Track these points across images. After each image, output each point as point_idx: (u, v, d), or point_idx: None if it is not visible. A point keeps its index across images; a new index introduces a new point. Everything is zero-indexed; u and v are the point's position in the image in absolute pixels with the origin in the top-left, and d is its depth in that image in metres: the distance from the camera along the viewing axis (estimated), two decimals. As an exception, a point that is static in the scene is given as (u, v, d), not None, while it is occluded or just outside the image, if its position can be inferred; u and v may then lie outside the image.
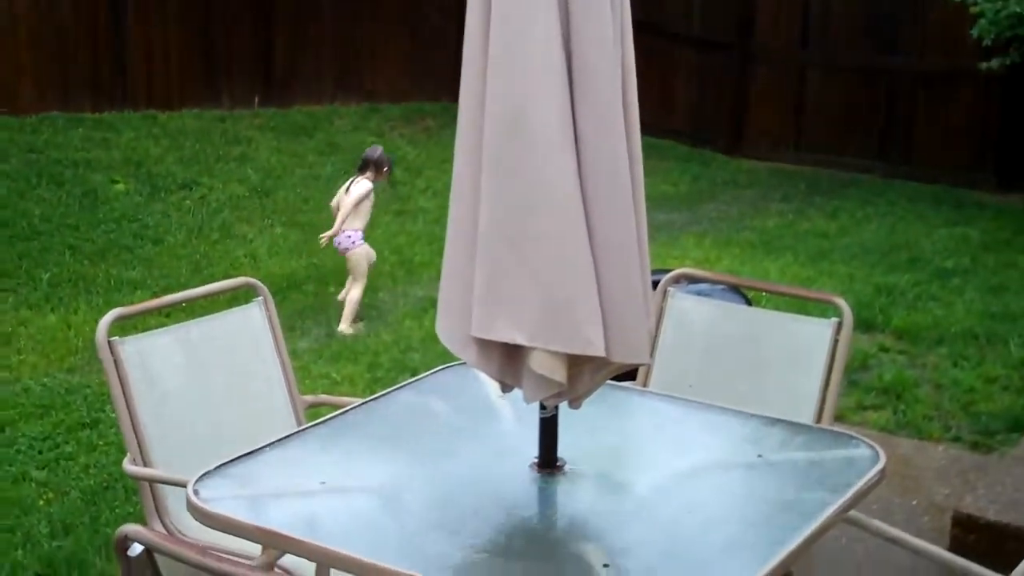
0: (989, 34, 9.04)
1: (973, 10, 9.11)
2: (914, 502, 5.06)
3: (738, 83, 11.82)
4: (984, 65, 9.25)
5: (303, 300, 7.83)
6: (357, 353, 6.83)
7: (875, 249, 8.84)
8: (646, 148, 11.04)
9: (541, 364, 2.82)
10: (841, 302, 3.78)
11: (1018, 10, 8.63)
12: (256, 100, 11.85)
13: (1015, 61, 9.18)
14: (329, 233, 7.48)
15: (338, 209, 7.52)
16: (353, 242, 7.43)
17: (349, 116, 12.07)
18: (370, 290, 7.94)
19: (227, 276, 6.84)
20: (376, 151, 7.70)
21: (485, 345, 2.90)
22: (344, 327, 7.33)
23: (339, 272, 8.20)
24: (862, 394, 6.18)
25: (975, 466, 5.37)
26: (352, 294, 7.44)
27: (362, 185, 7.47)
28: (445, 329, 3.00)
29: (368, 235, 7.66)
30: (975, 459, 5.49)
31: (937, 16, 10.60)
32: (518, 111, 2.80)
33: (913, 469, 5.38)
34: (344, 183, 7.68)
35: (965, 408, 6.04)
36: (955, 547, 4.58)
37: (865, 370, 6.52)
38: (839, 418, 5.89)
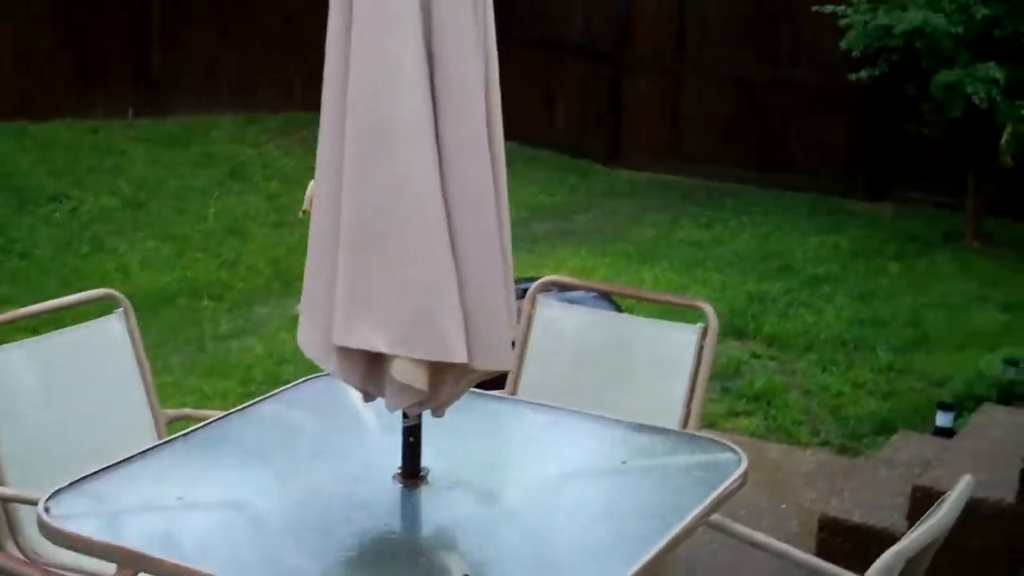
0: (858, 46, 9.21)
1: (842, 22, 9.28)
2: (783, 506, 5.12)
3: (616, 94, 11.90)
4: (854, 76, 9.43)
5: (176, 314, 7.69)
6: (230, 367, 6.74)
7: (749, 257, 8.96)
8: (527, 159, 11.12)
9: (403, 372, 2.80)
10: (706, 307, 3.81)
11: (885, 22, 8.81)
12: (130, 110, 11.65)
13: (884, 72, 9.36)
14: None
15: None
16: None
17: (227, 127, 11.91)
18: (245, 304, 7.85)
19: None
20: None
21: (347, 354, 2.87)
22: None
23: (213, 284, 8.10)
24: (734, 400, 6.25)
25: (842, 470, 5.46)
26: None
27: None
28: (306, 338, 2.97)
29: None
30: (842, 463, 5.58)
31: (810, 28, 10.78)
32: (380, 118, 2.78)
33: (782, 474, 5.45)
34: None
35: (833, 412, 6.14)
36: (822, 550, 4.64)
37: (737, 376, 6.59)
38: (711, 424, 5.96)
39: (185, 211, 9.64)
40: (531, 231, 9.80)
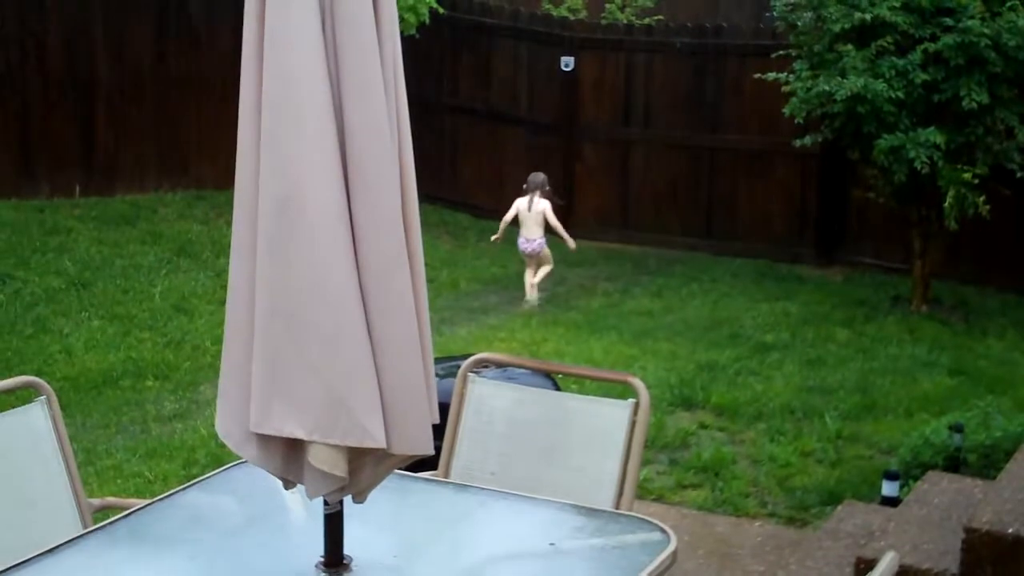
0: (800, 112, 9.28)
1: (785, 88, 9.37)
2: (730, 580, 5.07)
3: (565, 163, 11.94)
4: (798, 142, 9.50)
5: (120, 395, 7.59)
6: (173, 449, 6.63)
7: (698, 326, 8.96)
8: (478, 231, 11.04)
9: (321, 459, 2.76)
10: (637, 382, 3.77)
11: (827, 88, 8.89)
12: (77, 189, 11.57)
13: (827, 138, 9.44)
14: (497, 237, 10.01)
15: (514, 221, 9.80)
16: (542, 245, 9.76)
17: (174, 204, 11.85)
18: (190, 384, 7.75)
19: (40, 373, 6.60)
20: (540, 176, 9.91)
21: (266, 441, 2.83)
22: (532, 295, 9.73)
23: (158, 365, 8.00)
24: (681, 473, 6.19)
25: (789, 542, 5.41)
26: (543, 271, 9.87)
27: (544, 203, 9.70)
28: (224, 425, 2.93)
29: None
30: (790, 534, 5.54)
31: (753, 94, 10.89)
32: (291, 199, 2.75)
33: (730, 547, 5.40)
34: (523, 198, 9.78)
35: (781, 483, 6.10)
36: (767, 624, 4.60)
37: (685, 448, 6.55)
38: (659, 497, 5.92)
39: (131, 290, 9.55)
40: (483, 303, 9.78)
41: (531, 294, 9.77)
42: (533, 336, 8.67)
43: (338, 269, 2.73)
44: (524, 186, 9.85)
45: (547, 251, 9.87)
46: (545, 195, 9.75)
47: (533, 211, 9.68)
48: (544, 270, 9.92)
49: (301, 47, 2.69)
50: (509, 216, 9.83)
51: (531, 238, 9.70)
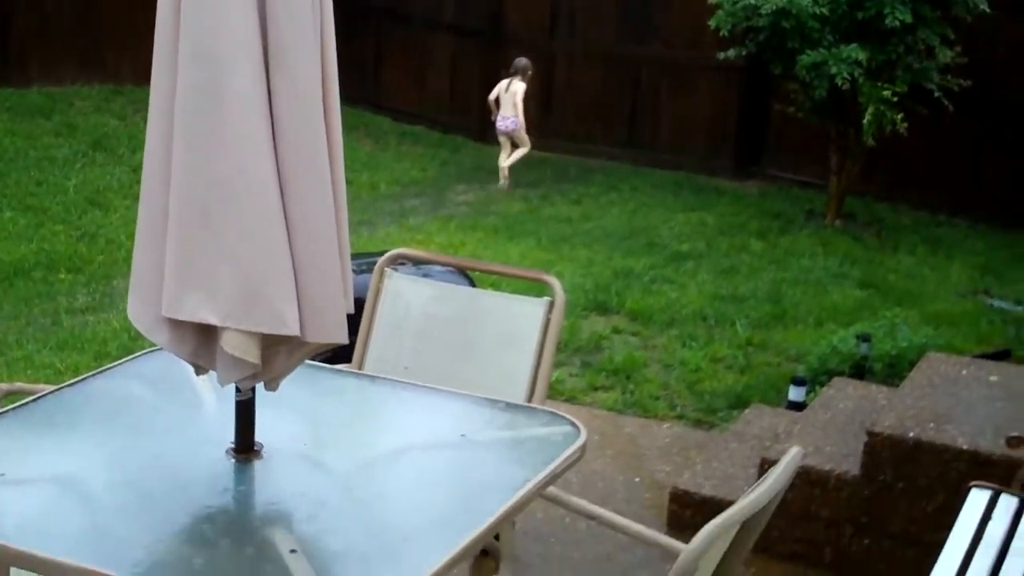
0: (726, 25, 9.28)
1: (712, 1, 9.37)
2: (637, 479, 5.16)
3: (488, 70, 11.87)
4: (722, 55, 9.51)
5: (31, 287, 7.50)
6: (84, 341, 6.58)
7: (616, 234, 9.01)
8: (399, 134, 11.02)
9: (234, 345, 2.75)
10: (553, 281, 3.80)
11: (753, 2, 8.90)
12: (-10, 79, 11.33)
13: (751, 52, 9.47)
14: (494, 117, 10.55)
15: (495, 101, 10.51)
16: (515, 124, 10.42)
17: (91, 98, 11.64)
18: (103, 277, 7.68)
19: (-51, 262, 6.52)
20: (523, 60, 10.54)
21: (177, 326, 2.81)
22: (504, 178, 10.43)
23: (71, 257, 7.91)
24: (594, 375, 6.27)
25: (696, 443, 5.52)
26: (518, 153, 10.53)
27: (519, 85, 10.40)
28: (136, 310, 2.90)
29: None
30: (697, 436, 5.64)
31: (681, 6, 10.88)
32: (211, 86, 2.71)
33: (638, 447, 5.49)
34: (504, 80, 10.55)
35: (691, 387, 6.20)
36: (672, 522, 4.71)
37: (598, 351, 6.62)
38: (570, 398, 6.00)
39: (44, 183, 9.39)
40: (402, 206, 9.76)
41: (503, 177, 10.46)
42: (451, 239, 8.68)
43: (256, 157, 2.71)
44: (511, 68, 10.61)
45: (522, 132, 10.53)
46: (525, 79, 10.47)
47: (509, 91, 10.43)
48: (519, 152, 10.58)
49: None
50: (492, 96, 10.57)
51: (506, 115, 10.44)
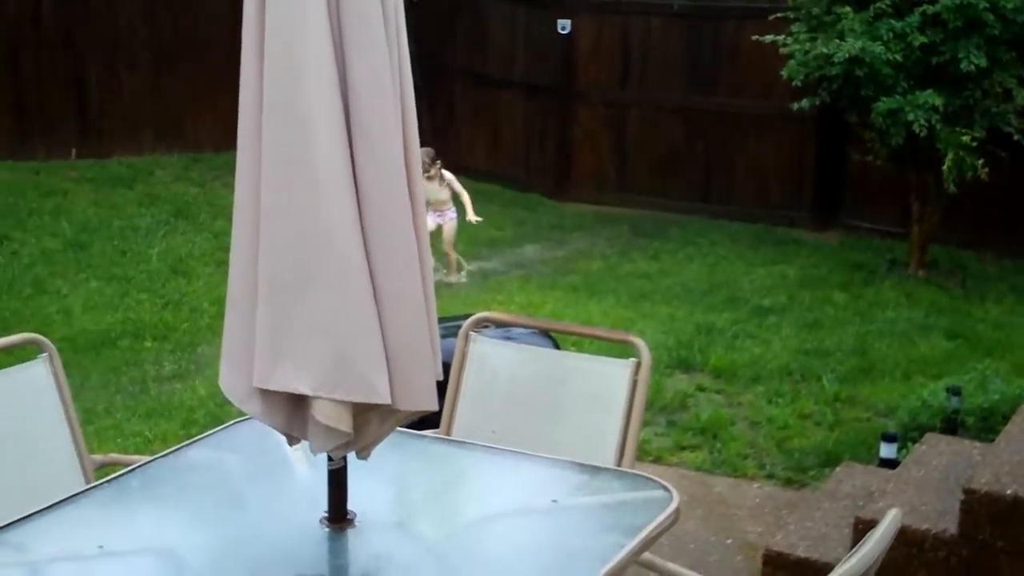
0: (798, 75, 9.24)
1: (783, 51, 9.33)
2: (728, 541, 5.09)
3: (562, 127, 11.91)
4: (796, 105, 9.46)
5: (118, 356, 7.60)
6: (172, 409, 6.65)
7: (696, 289, 8.96)
8: (474, 193, 11.02)
9: (326, 414, 2.76)
10: (639, 342, 3.77)
11: (825, 51, 8.86)
12: (73, 151, 11.54)
13: (825, 101, 9.41)
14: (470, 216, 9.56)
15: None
16: (453, 214, 9.55)
17: (171, 166, 11.83)
18: (188, 345, 7.76)
19: (39, 333, 6.58)
20: (424, 151, 9.49)
21: (269, 396, 2.83)
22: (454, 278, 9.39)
23: (156, 325, 8.01)
24: (680, 434, 6.21)
25: (787, 503, 5.43)
26: (467, 202, 9.53)
27: (445, 172, 9.46)
28: (228, 380, 2.92)
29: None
30: (788, 495, 5.56)
31: (752, 57, 10.84)
32: (295, 157, 2.74)
33: (728, 508, 5.42)
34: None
35: (779, 445, 6.11)
36: (766, 584, 4.62)
37: (683, 410, 6.56)
38: (657, 459, 5.94)
39: (128, 252, 9.54)
40: (480, 266, 9.77)
41: (454, 268, 9.54)
42: (531, 299, 8.67)
43: (343, 226, 2.73)
44: (423, 168, 9.62)
45: (456, 185, 9.61)
46: (436, 162, 9.38)
47: (443, 183, 9.46)
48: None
49: (302, 5, 2.68)
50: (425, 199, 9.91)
51: (443, 210, 9.51)
